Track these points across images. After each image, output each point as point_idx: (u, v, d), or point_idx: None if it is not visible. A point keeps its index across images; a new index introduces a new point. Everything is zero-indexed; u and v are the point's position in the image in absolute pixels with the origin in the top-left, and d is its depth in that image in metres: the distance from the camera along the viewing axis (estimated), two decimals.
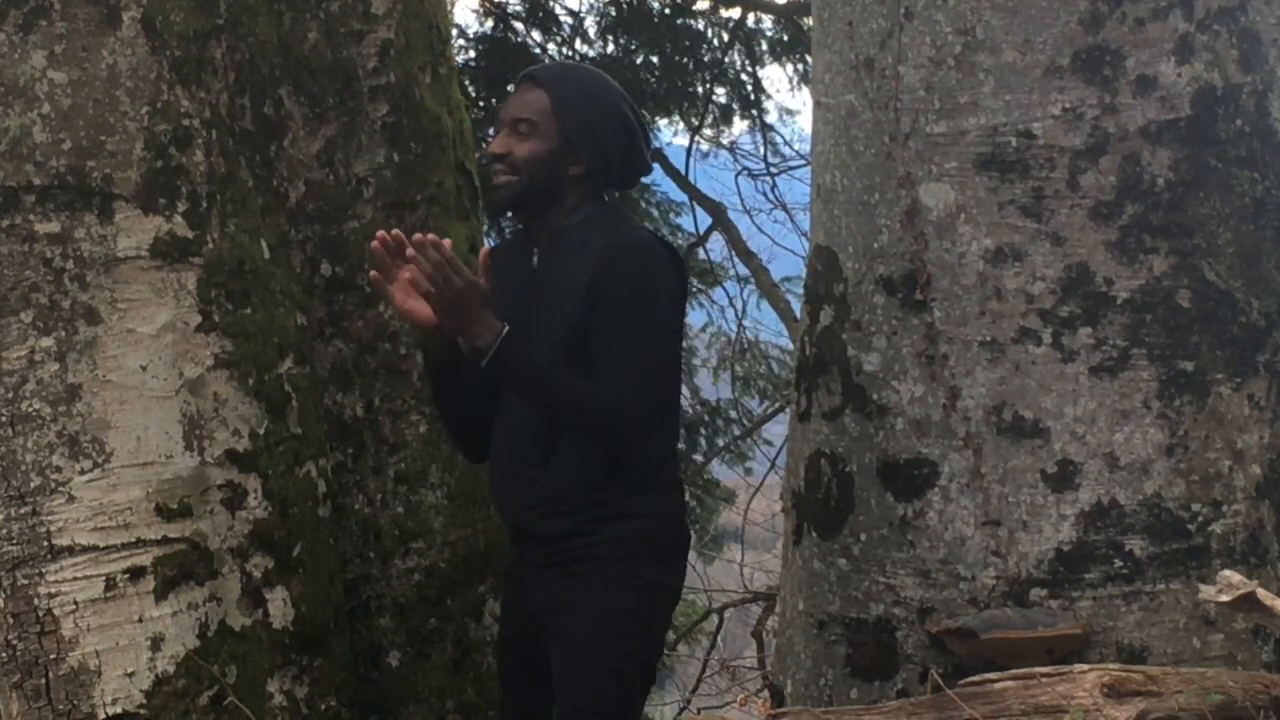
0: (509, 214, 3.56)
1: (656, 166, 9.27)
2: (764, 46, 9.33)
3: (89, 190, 3.51)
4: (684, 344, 3.77)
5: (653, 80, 8.76)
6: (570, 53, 8.98)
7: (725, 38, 9.24)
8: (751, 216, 10.19)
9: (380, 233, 3.40)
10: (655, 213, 9.10)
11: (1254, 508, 3.80)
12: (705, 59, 9.04)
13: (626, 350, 3.40)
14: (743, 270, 9.62)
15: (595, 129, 3.51)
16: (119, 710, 3.47)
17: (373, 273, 3.44)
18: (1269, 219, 3.85)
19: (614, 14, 8.92)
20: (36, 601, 3.46)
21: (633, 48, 8.95)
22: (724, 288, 10.11)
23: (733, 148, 10.02)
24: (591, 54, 8.95)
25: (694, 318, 9.81)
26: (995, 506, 3.78)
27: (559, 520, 3.42)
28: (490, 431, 3.58)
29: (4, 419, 3.47)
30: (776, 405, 9.68)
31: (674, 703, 9.41)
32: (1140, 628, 3.74)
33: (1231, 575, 3.18)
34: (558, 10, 9.04)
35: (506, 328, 3.32)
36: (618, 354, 3.40)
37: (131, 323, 3.53)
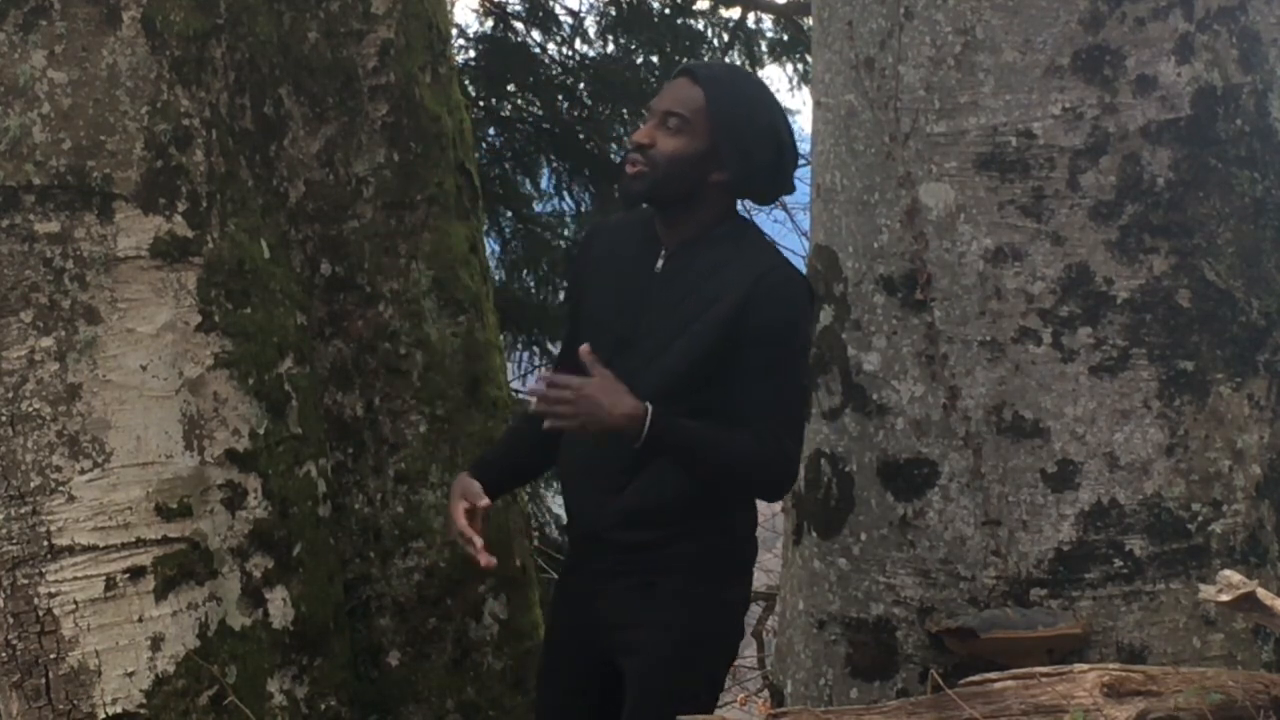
0: (641, 205, 3.49)
1: None
2: (764, 46, 9.33)
3: (89, 190, 3.51)
4: None
5: (653, 80, 8.75)
6: (570, 53, 8.98)
7: (725, 38, 9.24)
8: (751, 216, 10.18)
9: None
10: None
11: (1254, 507, 3.80)
12: (705, 59, 9.04)
13: (784, 397, 3.34)
14: None
15: (746, 139, 3.38)
16: (119, 710, 3.47)
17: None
18: (1269, 219, 3.85)
19: (614, 14, 8.92)
20: (36, 601, 3.46)
21: (633, 48, 8.95)
22: None
23: None
24: (591, 54, 8.95)
25: None
26: (995, 506, 3.78)
27: (642, 532, 3.37)
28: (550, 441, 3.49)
29: (4, 419, 3.47)
30: None
31: None
32: (1140, 627, 3.74)
33: (1231, 575, 3.18)
34: (558, 10, 9.04)
35: (648, 409, 3.23)
36: (774, 400, 3.32)
37: (131, 322, 3.53)
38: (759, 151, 3.41)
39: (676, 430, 3.27)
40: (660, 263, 3.43)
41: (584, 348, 3.26)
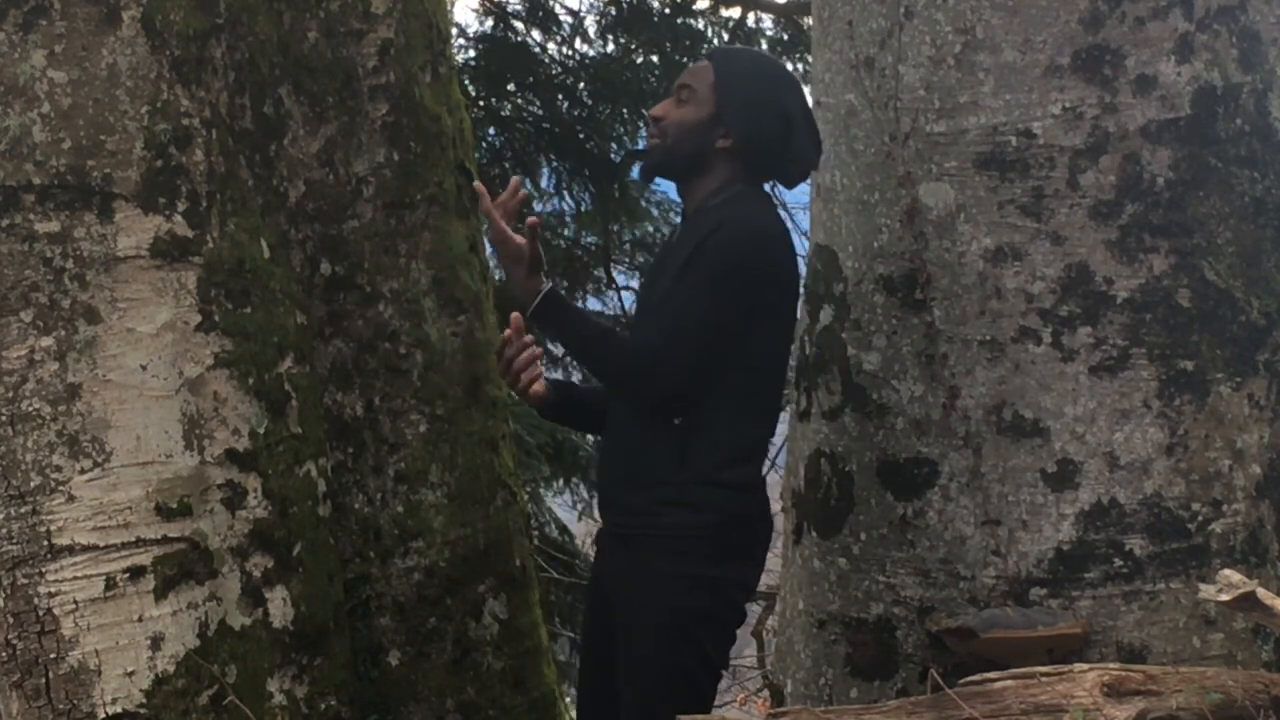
0: (657, 177, 3.75)
1: None
2: (764, 46, 9.33)
3: (89, 190, 3.51)
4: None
5: (653, 80, 8.76)
6: (570, 52, 8.98)
7: (725, 37, 9.24)
8: None
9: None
10: (655, 211, 9.10)
11: (1254, 507, 3.80)
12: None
13: (689, 311, 3.47)
14: None
15: (748, 107, 3.58)
16: (119, 710, 3.46)
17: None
18: (1269, 219, 3.85)
19: (614, 14, 8.92)
20: (36, 601, 3.46)
21: (633, 48, 8.95)
22: None
23: None
24: (591, 54, 8.95)
25: None
26: (995, 506, 3.78)
27: (638, 493, 3.53)
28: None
29: (4, 418, 3.47)
30: None
31: None
32: (1140, 627, 3.74)
33: (1231, 574, 3.18)
34: (558, 10, 9.04)
35: (542, 291, 3.45)
36: (679, 309, 3.47)
37: (131, 322, 3.52)
38: (763, 120, 3.58)
39: (562, 317, 3.53)
40: (675, 234, 3.68)
41: (531, 219, 3.50)
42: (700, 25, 9.24)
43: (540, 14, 8.97)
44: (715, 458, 3.48)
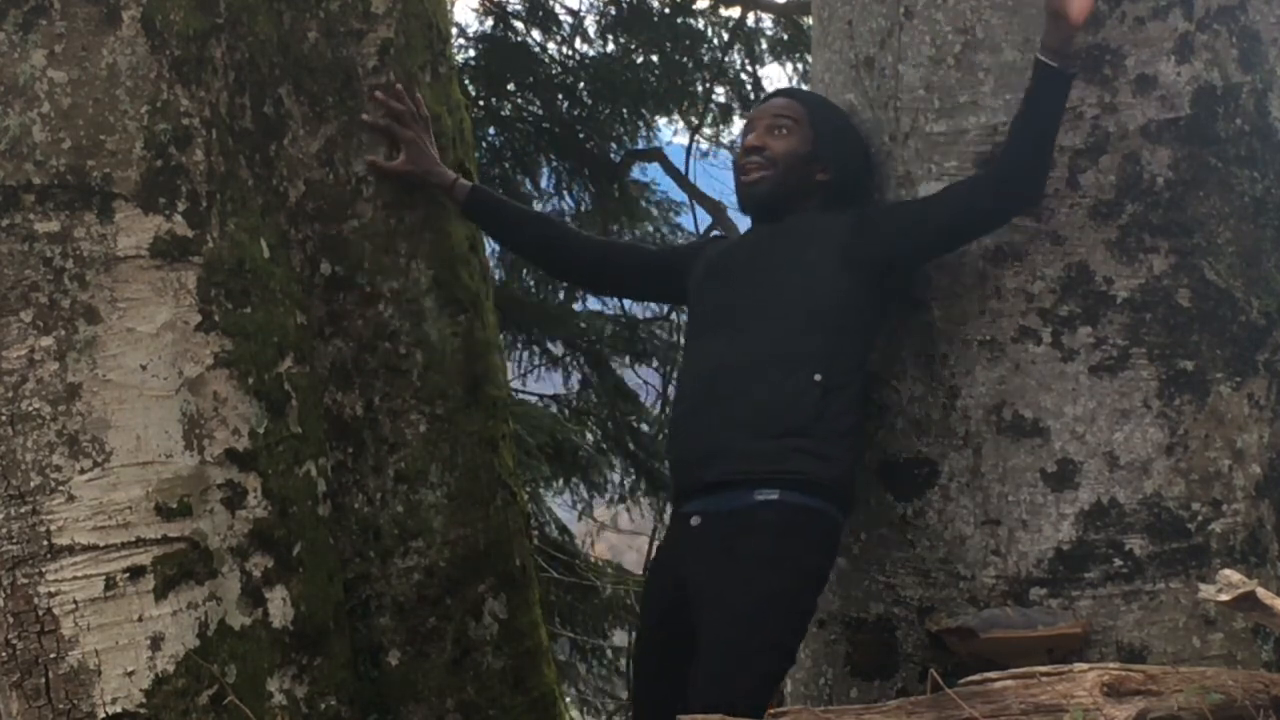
0: (760, 210, 3.84)
1: (656, 166, 9.30)
2: (764, 46, 9.32)
3: (89, 189, 3.51)
4: None
5: (653, 80, 8.76)
6: (570, 52, 8.98)
7: (725, 37, 9.24)
8: None
9: None
10: (655, 211, 9.10)
11: (1254, 507, 3.80)
12: (705, 58, 9.04)
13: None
14: None
15: (840, 140, 3.80)
16: (119, 709, 3.47)
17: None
18: (1269, 218, 3.85)
19: (614, 13, 8.92)
20: (36, 601, 3.46)
21: (633, 47, 8.94)
22: None
23: (732, 147, 10.01)
24: (591, 53, 8.95)
25: None
26: (995, 506, 3.78)
27: (748, 439, 3.58)
28: (561, 253, 4.16)
29: (4, 418, 3.47)
30: None
31: None
32: (1140, 627, 3.73)
33: (1231, 574, 3.18)
34: (557, 9, 9.04)
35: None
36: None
37: (131, 322, 3.53)
38: (852, 154, 3.81)
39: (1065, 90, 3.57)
40: (752, 240, 3.82)
41: None
42: (700, 25, 9.23)
43: (540, 14, 8.96)
44: (848, 420, 3.63)
